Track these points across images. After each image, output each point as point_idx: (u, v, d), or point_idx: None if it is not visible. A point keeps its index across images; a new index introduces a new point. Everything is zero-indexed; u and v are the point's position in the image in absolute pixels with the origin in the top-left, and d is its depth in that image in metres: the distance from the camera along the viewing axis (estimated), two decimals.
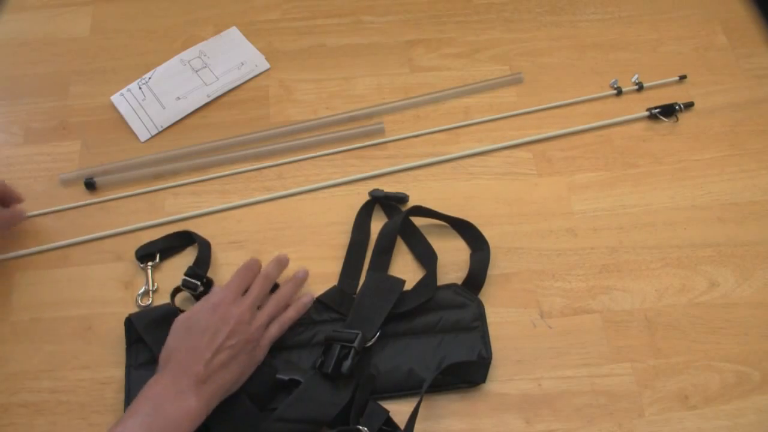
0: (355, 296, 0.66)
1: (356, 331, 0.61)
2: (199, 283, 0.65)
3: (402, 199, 0.73)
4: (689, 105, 0.80)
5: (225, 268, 0.69)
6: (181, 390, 0.53)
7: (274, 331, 0.61)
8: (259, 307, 0.61)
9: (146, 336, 0.62)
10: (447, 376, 0.61)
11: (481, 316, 0.65)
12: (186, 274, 0.66)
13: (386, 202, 0.73)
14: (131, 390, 0.61)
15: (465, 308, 0.65)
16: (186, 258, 0.70)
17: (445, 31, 0.87)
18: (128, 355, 0.63)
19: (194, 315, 0.59)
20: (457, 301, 0.66)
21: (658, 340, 0.65)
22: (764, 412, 0.62)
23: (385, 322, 0.63)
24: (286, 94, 0.82)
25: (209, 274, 0.68)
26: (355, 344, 0.60)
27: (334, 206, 0.73)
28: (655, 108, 0.79)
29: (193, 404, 0.53)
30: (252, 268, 0.63)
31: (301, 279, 0.66)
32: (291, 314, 0.63)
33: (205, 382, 0.54)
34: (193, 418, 0.53)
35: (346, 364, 0.59)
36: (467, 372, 0.62)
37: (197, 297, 0.65)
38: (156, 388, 0.54)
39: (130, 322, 0.64)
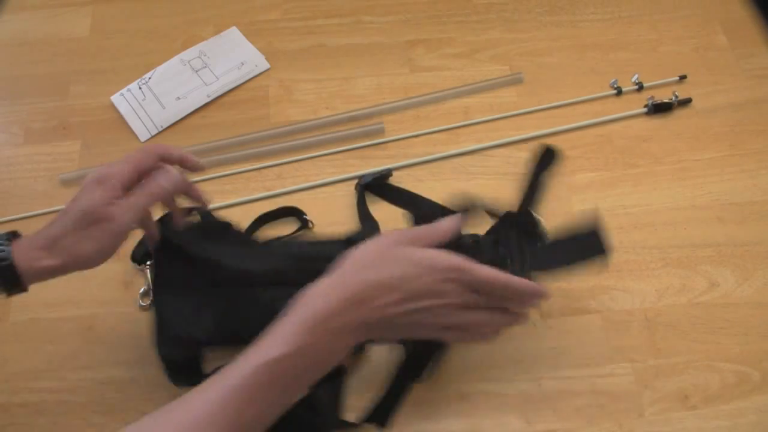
0: None
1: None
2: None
3: (387, 175, 0.73)
4: (687, 100, 0.80)
5: None
6: (349, 328, 0.45)
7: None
8: None
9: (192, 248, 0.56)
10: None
11: None
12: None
13: (376, 183, 0.73)
14: (163, 321, 0.55)
15: None
16: None
17: (445, 31, 0.87)
18: (156, 284, 0.58)
19: (412, 257, 0.48)
20: None
21: (658, 340, 0.65)
22: (764, 412, 0.62)
23: None
24: (286, 94, 0.82)
25: None
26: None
27: (334, 206, 0.73)
28: (652, 99, 0.79)
29: (349, 346, 0.46)
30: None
31: None
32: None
33: (369, 330, 0.47)
34: (338, 360, 0.47)
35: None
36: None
37: None
38: (327, 304, 0.45)
39: (162, 244, 0.57)
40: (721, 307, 0.67)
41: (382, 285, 0.46)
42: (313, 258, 0.57)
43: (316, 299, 0.46)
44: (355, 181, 0.74)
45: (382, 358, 0.63)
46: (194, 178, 0.75)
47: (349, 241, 0.60)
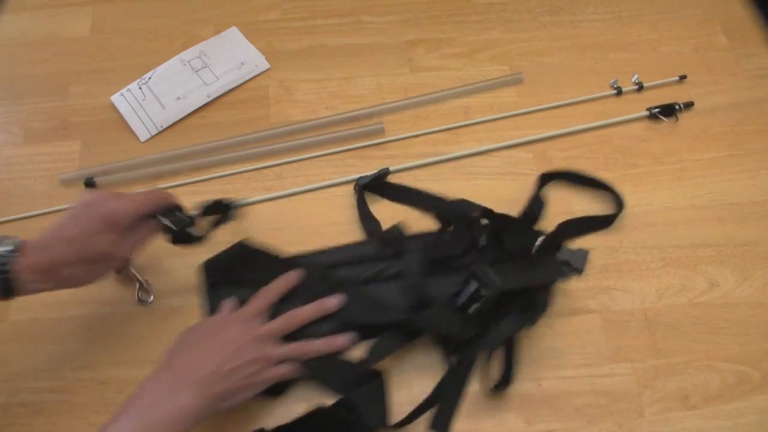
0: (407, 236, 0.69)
1: (496, 279, 0.59)
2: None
3: (384, 174, 0.74)
4: (689, 105, 0.80)
5: None
6: (177, 389, 0.52)
7: (291, 353, 0.60)
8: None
9: (234, 273, 0.66)
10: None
11: None
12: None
13: (375, 184, 0.73)
14: None
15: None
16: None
17: (445, 31, 0.87)
18: (210, 299, 0.66)
19: (203, 326, 0.59)
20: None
21: (658, 340, 0.65)
22: (764, 412, 0.62)
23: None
24: (286, 94, 0.82)
25: None
26: (488, 292, 0.59)
27: (334, 206, 0.73)
28: (655, 108, 0.79)
29: (190, 402, 0.51)
30: (278, 288, 0.63)
31: (329, 309, 0.64)
32: (318, 346, 0.61)
33: (206, 387, 0.53)
34: (188, 418, 0.51)
35: (474, 307, 0.60)
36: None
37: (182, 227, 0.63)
38: (149, 386, 0.52)
39: (206, 267, 0.66)
40: (721, 307, 0.67)
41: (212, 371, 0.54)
42: (333, 267, 0.68)
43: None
44: (355, 182, 0.74)
45: (422, 357, 0.64)
46: (194, 177, 0.75)
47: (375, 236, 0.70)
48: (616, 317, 0.66)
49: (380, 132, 0.78)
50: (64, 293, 0.68)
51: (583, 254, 0.69)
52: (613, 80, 0.82)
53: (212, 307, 0.65)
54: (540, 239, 0.67)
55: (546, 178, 0.74)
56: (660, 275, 0.69)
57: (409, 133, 0.78)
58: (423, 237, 0.70)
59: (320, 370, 0.61)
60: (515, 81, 0.82)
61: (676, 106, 0.79)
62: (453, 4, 0.90)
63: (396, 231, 0.70)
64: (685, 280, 0.69)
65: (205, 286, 0.67)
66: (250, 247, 0.67)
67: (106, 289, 0.68)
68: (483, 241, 0.68)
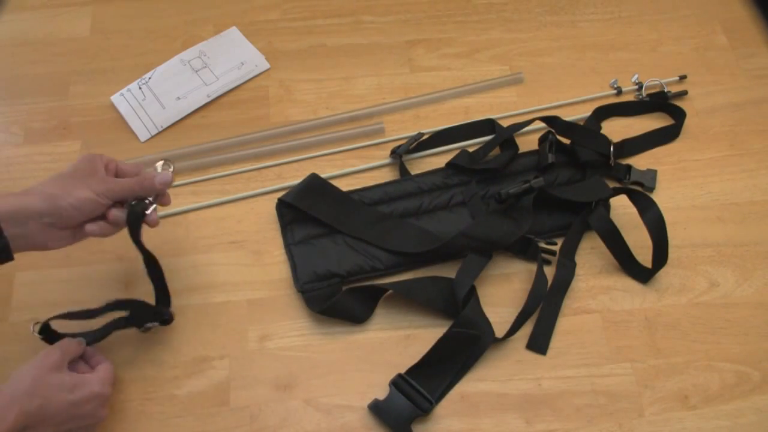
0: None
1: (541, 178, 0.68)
2: None
3: (417, 138, 0.75)
4: (682, 93, 0.80)
5: (225, 268, 0.69)
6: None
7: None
8: None
9: (302, 204, 0.69)
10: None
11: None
12: None
13: (411, 151, 0.76)
14: (296, 264, 0.68)
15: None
16: None
17: (445, 31, 0.87)
18: (285, 236, 0.70)
19: (64, 384, 0.55)
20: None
21: (658, 340, 0.65)
22: (764, 412, 0.62)
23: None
24: (286, 94, 0.82)
25: None
26: (536, 183, 0.67)
27: None
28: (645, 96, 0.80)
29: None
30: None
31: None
32: None
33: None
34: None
35: (525, 196, 0.68)
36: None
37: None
38: None
39: (281, 203, 0.71)
40: (721, 307, 0.67)
41: (39, 415, 0.51)
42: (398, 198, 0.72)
43: None
44: (358, 181, 0.74)
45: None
46: (194, 177, 0.75)
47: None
48: (616, 317, 0.66)
49: (380, 132, 0.78)
50: (65, 293, 0.68)
51: (652, 173, 0.73)
52: (613, 80, 0.82)
53: (289, 243, 0.69)
54: (612, 146, 0.73)
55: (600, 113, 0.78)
56: (660, 275, 0.69)
57: (409, 133, 0.78)
58: (488, 163, 0.74)
59: (421, 292, 0.65)
60: (515, 81, 0.82)
61: (667, 93, 0.79)
62: (453, 4, 0.90)
63: (463, 157, 0.73)
64: (685, 280, 0.69)
65: (281, 224, 0.71)
66: (320, 178, 0.72)
67: (106, 289, 0.68)
68: (551, 158, 0.72)
